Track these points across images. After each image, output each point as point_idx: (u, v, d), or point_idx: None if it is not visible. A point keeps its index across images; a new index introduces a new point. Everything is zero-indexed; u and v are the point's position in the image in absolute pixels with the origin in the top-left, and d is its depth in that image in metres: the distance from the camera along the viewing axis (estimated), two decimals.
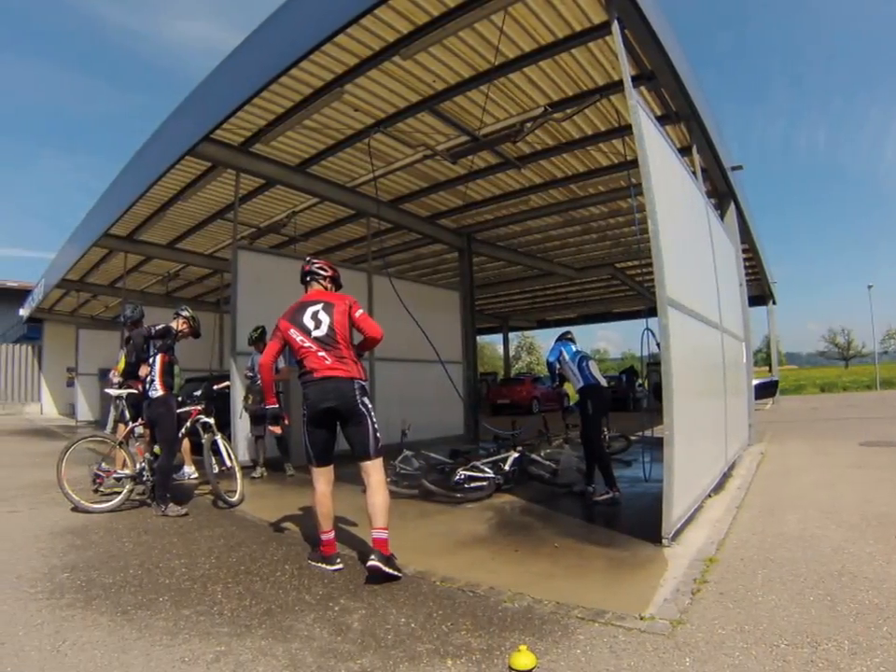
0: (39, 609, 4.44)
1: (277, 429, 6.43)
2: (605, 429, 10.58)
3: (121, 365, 9.98)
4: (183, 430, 8.61)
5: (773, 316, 31.50)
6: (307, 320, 5.47)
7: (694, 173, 10.03)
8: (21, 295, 32.19)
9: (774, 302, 30.98)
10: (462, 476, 8.67)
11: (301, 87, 9.85)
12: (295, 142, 12.01)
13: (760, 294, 28.81)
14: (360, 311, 5.61)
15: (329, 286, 5.89)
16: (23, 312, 30.89)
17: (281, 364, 10.06)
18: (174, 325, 8.56)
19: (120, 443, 8.43)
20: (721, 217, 12.91)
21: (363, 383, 5.48)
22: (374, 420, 5.40)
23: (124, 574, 5.30)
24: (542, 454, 10.09)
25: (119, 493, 8.17)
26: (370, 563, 4.97)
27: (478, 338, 28.07)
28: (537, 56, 9.16)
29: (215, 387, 10.65)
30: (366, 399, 5.42)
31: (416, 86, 9.97)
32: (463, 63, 9.38)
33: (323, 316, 5.46)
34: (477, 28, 8.48)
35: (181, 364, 9.74)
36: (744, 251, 17.47)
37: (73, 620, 4.24)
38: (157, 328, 8.32)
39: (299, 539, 6.52)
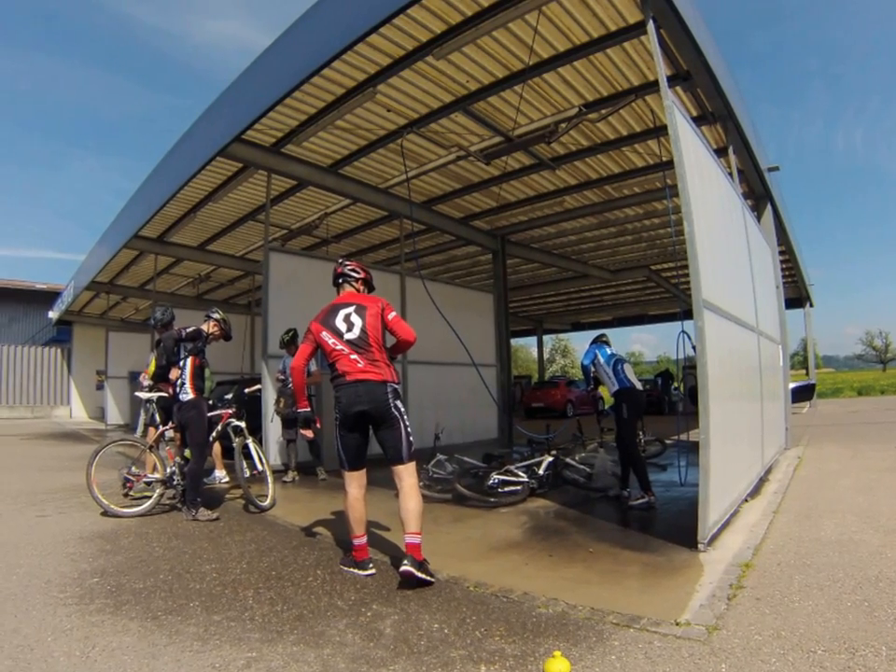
0: (69, 615, 4.43)
1: (309, 433, 6.42)
2: (640, 433, 10.51)
3: (152, 368, 9.96)
4: (214, 434, 8.54)
5: (810, 319, 31.22)
6: (339, 323, 5.44)
7: (731, 174, 9.93)
8: (50, 297, 32.44)
9: (811, 305, 30.70)
10: (496, 480, 8.63)
11: (334, 87, 9.84)
12: (327, 143, 12.03)
13: (797, 296, 28.57)
14: (393, 313, 5.57)
15: (361, 288, 5.86)
16: (52, 314, 31.08)
17: (313, 367, 10.01)
18: (204, 328, 8.53)
19: (151, 447, 8.41)
20: (758, 218, 12.78)
21: (396, 386, 5.44)
22: (407, 424, 5.36)
23: (154, 579, 5.29)
24: (577, 458, 10.01)
25: (150, 497, 8.16)
26: (402, 568, 4.93)
27: (512, 340, 28.02)
28: (571, 56, 9.10)
29: (246, 391, 10.63)
30: (398, 403, 5.38)
31: (449, 86, 9.94)
32: (497, 64, 9.34)
33: (355, 319, 5.43)
34: (511, 28, 8.44)
35: (212, 367, 9.78)
36: (780, 253, 17.28)
37: (102, 625, 4.22)
38: (187, 330, 8.30)
39: (330, 544, 6.49)
